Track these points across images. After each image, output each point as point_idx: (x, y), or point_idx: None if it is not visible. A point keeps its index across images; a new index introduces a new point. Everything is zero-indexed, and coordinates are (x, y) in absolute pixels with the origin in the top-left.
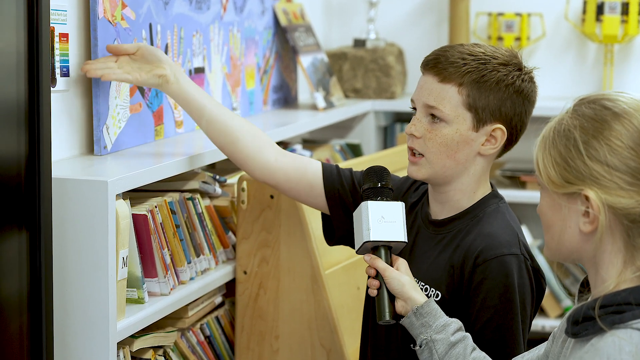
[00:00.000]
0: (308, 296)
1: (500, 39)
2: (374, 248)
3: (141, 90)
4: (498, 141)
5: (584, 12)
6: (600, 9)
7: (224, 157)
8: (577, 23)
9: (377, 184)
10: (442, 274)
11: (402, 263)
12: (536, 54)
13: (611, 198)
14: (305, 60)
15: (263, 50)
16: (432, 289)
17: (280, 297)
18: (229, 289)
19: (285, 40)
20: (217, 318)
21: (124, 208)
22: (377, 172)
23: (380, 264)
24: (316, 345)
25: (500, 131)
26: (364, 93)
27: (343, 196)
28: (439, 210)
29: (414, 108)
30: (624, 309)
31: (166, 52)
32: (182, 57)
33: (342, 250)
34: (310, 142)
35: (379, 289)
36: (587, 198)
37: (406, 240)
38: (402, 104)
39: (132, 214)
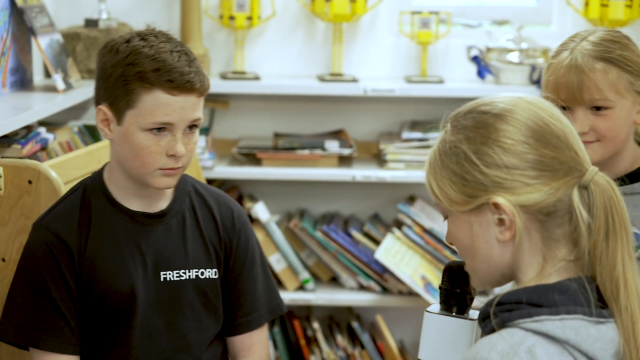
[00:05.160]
0: None
1: (232, 18)
2: None
3: None
4: None
5: None
6: None
7: None
8: (306, 2)
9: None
10: (209, 254)
11: None
12: (267, 33)
13: (520, 197)
14: (42, 42)
15: (0, 32)
16: (207, 270)
17: None
18: None
19: (21, 22)
20: None
21: None
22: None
23: None
24: None
25: None
26: None
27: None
28: (146, 203)
29: (161, 128)
30: (513, 307)
31: None
32: None
33: None
34: (49, 124)
35: None
36: (495, 205)
37: None
38: None
39: None
